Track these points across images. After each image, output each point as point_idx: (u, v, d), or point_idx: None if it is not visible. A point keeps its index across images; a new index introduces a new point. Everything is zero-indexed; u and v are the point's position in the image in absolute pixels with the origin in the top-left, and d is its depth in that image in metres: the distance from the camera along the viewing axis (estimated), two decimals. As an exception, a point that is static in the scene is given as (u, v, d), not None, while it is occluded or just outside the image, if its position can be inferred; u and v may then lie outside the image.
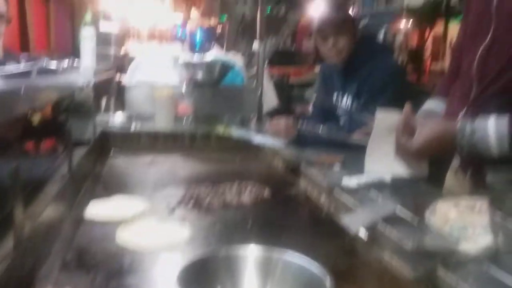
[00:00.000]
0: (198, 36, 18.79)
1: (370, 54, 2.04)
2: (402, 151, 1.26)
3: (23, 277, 0.78)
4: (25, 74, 1.09)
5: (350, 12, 2.23)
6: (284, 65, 9.29)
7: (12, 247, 0.76)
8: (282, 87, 7.09)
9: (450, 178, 1.38)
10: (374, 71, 2.00)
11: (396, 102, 1.60)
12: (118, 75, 2.58)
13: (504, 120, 1.09)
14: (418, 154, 1.23)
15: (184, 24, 12.46)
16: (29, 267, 0.82)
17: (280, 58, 8.04)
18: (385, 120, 1.32)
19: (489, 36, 1.21)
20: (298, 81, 9.55)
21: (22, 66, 1.10)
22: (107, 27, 2.73)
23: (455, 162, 1.37)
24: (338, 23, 2.01)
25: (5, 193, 1.21)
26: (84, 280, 0.83)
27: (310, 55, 9.27)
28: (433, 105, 1.46)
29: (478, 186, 1.26)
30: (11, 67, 1.09)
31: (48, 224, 0.99)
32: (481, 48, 1.22)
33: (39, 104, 1.00)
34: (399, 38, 22.02)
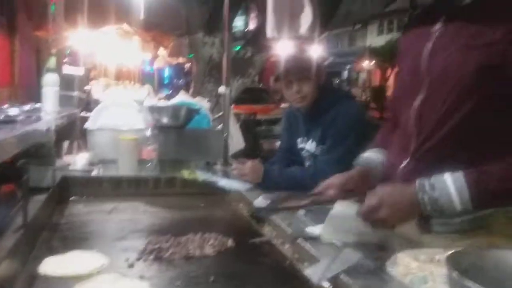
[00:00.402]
0: (167, 73, 18.86)
1: (334, 100, 2.10)
2: (373, 226, 1.23)
3: None
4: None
5: (315, 52, 2.29)
6: (252, 103, 9.40)
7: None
8: (249, 126, 7.15)
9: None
10: (338, 116, 2.04)
11: (358, 146, 1.64)
12: (81, 118, 2.54)
13: (459, 174, 1.12)
14: (389, 225, 1.21)
15: (152, 62, 12.49)
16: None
17: (248, 95, 8.15)
18: (343, 210, 1.31)
19: (422, 92, 1.25)
20: (266, 118, 9.65)
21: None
22: (72, 69, 2.71)
23: None
24: (302, 70, 2.07)
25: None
26: None
27: (277, 93, 9.42)
28: (371, 155, 1.47)
29: (424, 230, 1.28)
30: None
31: (1, 282, 0.94)
32: (416, 104, 1.26)
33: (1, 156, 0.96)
34: (363, 76, 22.76)
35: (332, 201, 1.34)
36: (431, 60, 1.24)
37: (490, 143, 1.18)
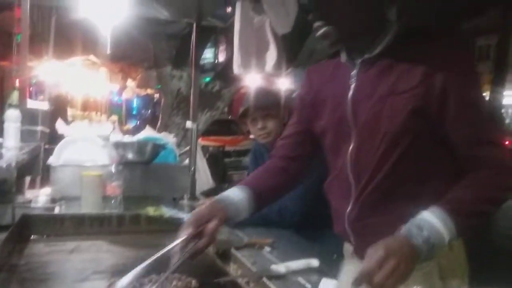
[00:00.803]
0: (135, 103, 18.72)
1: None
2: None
3: None
4: None
5: (282, 86, 2.35)
6: (221, 134, 9.43)
7: None
8: (217, 158, 7.14)
9: (347, 262, 1.39)
10: None
11: (321, 181, 1.66)
12: (45, 152, 2.49)
13: (436, 208, 1.13)
14: (400, 277, 1.08)
15: (120, 92, 12.41)
16: None
17: (216, 127, 8.19)
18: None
19: (353, 143, 1.27)
20: (235, 149, 9.68)
21: None
22: (36, 104, 2.67)
23: (347, 246, 1.40)
24: (267, 107, 2.11)
25: None
26: None
27: (245, 125, 9.47)
28: (230, 193, 1.40)
29: None
30: None
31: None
32: (349, 152, 1.28)
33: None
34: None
35: None
36: (355, 110, 1.26)
37: (428, 179, 1.23)
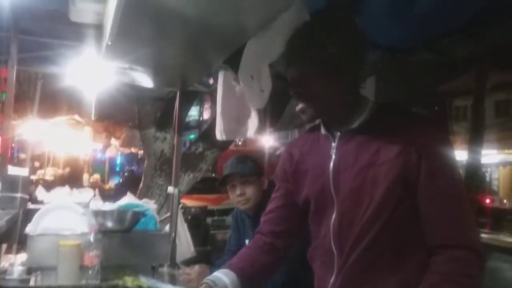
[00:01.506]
0: (119, 160, 18.64)
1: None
2: None
3: None
4: None
5: (256, 161, 2.39)
6: (204, 192, 9.37)
7: None
8: (199, 219, 7.06)
9: None
10: None
11: (305, 242, 1.65)
12: (23, 221, 2.45)
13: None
14: None
15: (104, 150, 12.40)
16: None
17: (199, 185, 8.19)
18: None
19: (334, 214, 1.30)
20: (218, 208, 9.57)
21: None
22: (16, 170, 2.66)
23: None
24: (244, 174, 2.15)
25: None
26: None
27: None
28: (220, 275, 1.41)
29: None
30: None
31: None
32: (331, 222, 1.31)
33: None
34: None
35: None
36: (336, 180, 1.30)
37: (410, 248, 1.25)
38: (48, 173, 9.04)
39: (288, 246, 1.51)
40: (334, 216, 1.30)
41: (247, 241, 2.26)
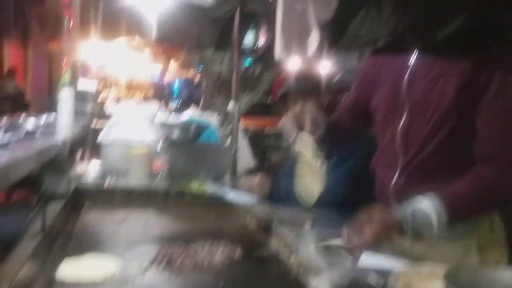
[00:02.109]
0: (177, 85, 19.00)
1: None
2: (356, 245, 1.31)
3: None
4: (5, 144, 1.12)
5: (323, 69, 2.36)
6: (261, 116, 9.47)
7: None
8: (258, 139, 7.19)
9: None
10: None
11: (365, 159, 1.69)
12: (94, 131, 2.62)
13: (436, 202, 1.24)
14: (368, 239, 1.28)
15: (162, 75, 12.65)
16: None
17: (256, 109, 8.26)
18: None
19: (404, 117, 1.39)
20: (274, 131, 9.68)
21: (1, 135, 1.13)
22: (86, 84, 2.80)
23: None
24: (307, 89, 2.13)
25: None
26: None
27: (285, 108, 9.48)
28: None
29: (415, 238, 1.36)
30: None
31: (23, 285, 1.00)
32: (399, 126, 1.39)
33: (23, 172, 1.02)
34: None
35: None
36: (410, 88, 1.38)
37: (471, 158, 1.31)
38: (112, 96, 9.41)
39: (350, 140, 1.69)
40: (403, 120, 1.39)
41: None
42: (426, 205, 1.24)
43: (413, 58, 1.39)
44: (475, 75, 1.27)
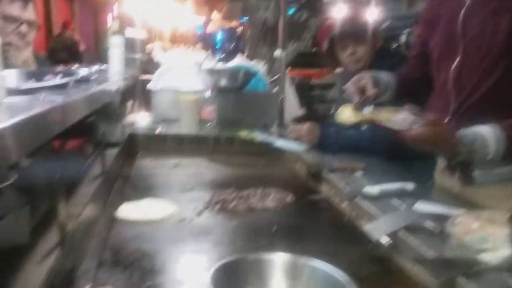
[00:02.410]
0: (219, 37, 18.89)
1: (391, 64, 2.06)
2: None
3: (66, 274, 0.83)
4: (63, 85, 1.14)
5: (372, 15, 2.25)
6: (306, 67, 9.29)
7: (57, 244, 0.82)
8: (303, 90, 7.08)
9: (439, 177, 1.50)
10: None
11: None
12: (143, 79, 2.65)
13: (498, 126, 1.19)
14: (414, 141, 1.22)
15: (205, 26, 12.54)
16: (70, 265, 0.87)
17: (301, 60, 8.09)
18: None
19: (459, 57, 1.34)
20: (319, 83, 9.50)
21: (59, 79, 1.16)
22: (133, 32, 2.80)
23: (441, 162, 1.48)
24: (357, 32, 2.04)
25: (48, 192, 1.28)
26: (121, 278, 0.89)
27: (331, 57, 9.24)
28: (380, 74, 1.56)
29: (467, 183, 1.36)
30: (50, 80, 1.14)
31: (86, 223, 1.05)
32: (453, 67, 1.35)
33: (78, 116, 1.05)
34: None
35: None
36: (465, 26, 1.33)
37: None
38: (156, 51, 9.45)
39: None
40: (456, 61, 1.34)
41: (356, 103, 2.24)
42: (488, 131, 1.19)
43: None
44: None
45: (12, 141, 0.54)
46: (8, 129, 0.52)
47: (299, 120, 2.18)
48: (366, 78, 1.46)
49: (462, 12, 1.33)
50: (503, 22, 1.25)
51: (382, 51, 2.10)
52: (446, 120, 1.38)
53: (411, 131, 1.20)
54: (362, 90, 1.43)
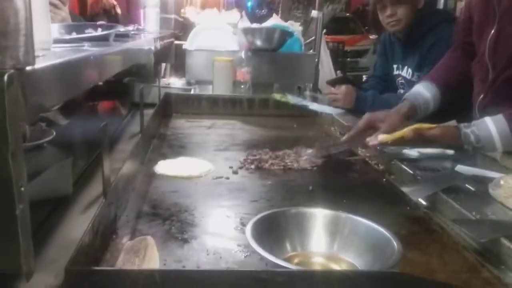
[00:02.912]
0: (250, 3, 18.58)
1: (432, 24, 1.98)
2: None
3: (109, 224, 0.86)
4: (103, 38, 1.14)
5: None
6: (340, 33, 9.07)
7: (101, 194, 0.84)
8: (338, 55, 6.95)
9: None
10: (437, 42, 1.94)
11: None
12: (177, 43, 2.64)
13: (501, 120, 1.17)
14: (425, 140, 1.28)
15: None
16: (112, 215, 0.90)
17: (335, 25, 7.89)
18: None
19: (494, 27, 1.28)
20: (352, 49, 9.30)
21: (100, 31, 1.17)
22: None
23: None
24: None
25: (89, 148, 1.31)
26: (160, 229, 0.90)
27: (365, 23, 9.02)
28: (421, 89, 1.50)
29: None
30: (93, 32, 1.15)
31: (126, 177, 1.07)
32: (488, 38, 1.30)
33: (117, 68, 1.06)
34: (460, 6, 20.85)
35: None
36: None
37: None
38: (190, 12, 9.37)
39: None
40: (493, 31, 1.29)
41: (395, 67, 2.17)
42: (492, 127, 1.18)
43: None
44: None
45: (58, 81, 0.54)
46: (55, 67, 0.53)
47: (333, 83, 2.13)
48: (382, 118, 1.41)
49: None
50: None
51: (424, 11, 2.01)
52: (482, 94, 1.36)
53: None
54: (371, 126, 1.40)
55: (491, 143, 1.17)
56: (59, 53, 0.65)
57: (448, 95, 1.48)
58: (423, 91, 1.49)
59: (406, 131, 1.26)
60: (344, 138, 1.44)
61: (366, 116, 1.44)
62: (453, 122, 1.45)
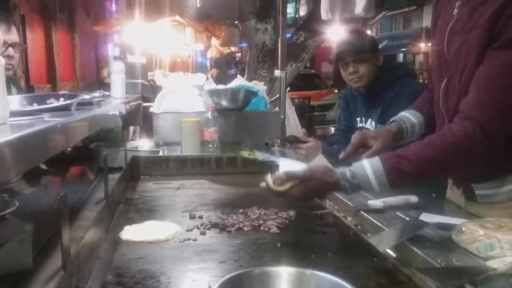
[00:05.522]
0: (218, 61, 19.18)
1: (393, 78, 2.08)
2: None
3: (70, 296, 0.83)
4: (65, 108, 1.15)
5: (370, 37, 2.27)
6: (305, 89, 9.38)
7: (61, 267, 0.81)
8: (303, 111, 7.14)
9: (449, 192, 1.49)
10: (398, 95, 2.02)
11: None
12: (145, 106, 2.67)
13: (375, 159, 1.16)
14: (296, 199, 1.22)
15: (204, 52, 12.73)
16: (74, 286, 0.87)
17: (300, 81, 8.17)
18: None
19: (446, 75, 1.30)
20: (319, 103, 9.61)
21: (62, 101, 1.18)
22: (134, 58, 2.84)
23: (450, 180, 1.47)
24: (357, 51, 2.06)
25: (52, 217, 1.28)
26: (125, 299, 0.88)
27: (329, 78, 9.38)
28: (407, 115, 1.52)
29: (470, 199, 1.35)
30: (55, 102, 1.16)
31: (89, 246, 1.04)
32: (441, 87, 1.32)
33: (77, 137, 1.06)
34: (419, 59, 22.00)
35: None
36: (449, 43, 1.28)
37: None
38: (157, 76, 9.57)
39: None
40: (445, 80, 1.31)
41: (358, 119, 2.25)
42: (365, 164, 1.16)
43: (456, 9, 1.28)
44: (491, 26, 1.14)
45: (14, 155, 0.54)
46: (10, 143, 0.53)
47: (297, 140, 2.18)
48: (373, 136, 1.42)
49: (449, 27, 1.29)
50: (473, 39, 1.19)
51: (383, 67, 2.12)
52: None
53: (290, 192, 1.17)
54: (363, 144, 1.40)
55: (365, 179, 1.15)
56: (16, 127, 0.66)
57: (433, 124, 1.48)
58: (410, 116, 1.50)
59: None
60: (341, 156, 1.41)
61: (357, 134, 1.43)
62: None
